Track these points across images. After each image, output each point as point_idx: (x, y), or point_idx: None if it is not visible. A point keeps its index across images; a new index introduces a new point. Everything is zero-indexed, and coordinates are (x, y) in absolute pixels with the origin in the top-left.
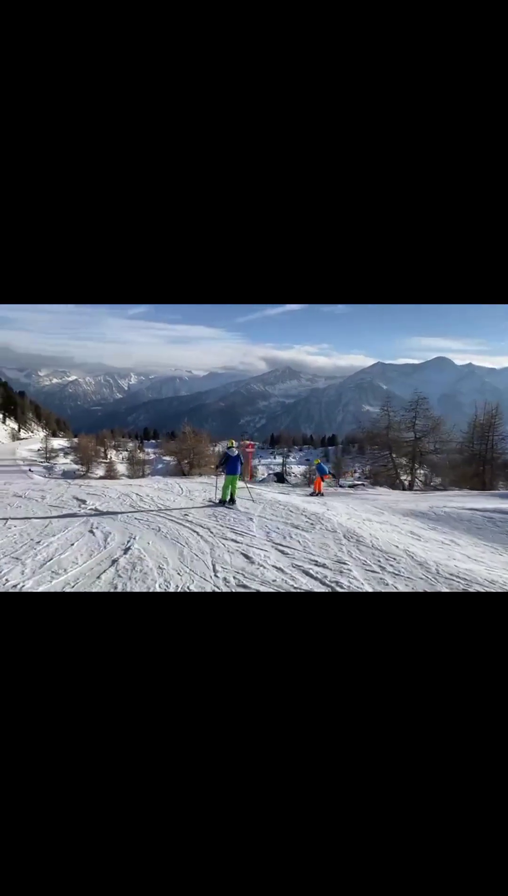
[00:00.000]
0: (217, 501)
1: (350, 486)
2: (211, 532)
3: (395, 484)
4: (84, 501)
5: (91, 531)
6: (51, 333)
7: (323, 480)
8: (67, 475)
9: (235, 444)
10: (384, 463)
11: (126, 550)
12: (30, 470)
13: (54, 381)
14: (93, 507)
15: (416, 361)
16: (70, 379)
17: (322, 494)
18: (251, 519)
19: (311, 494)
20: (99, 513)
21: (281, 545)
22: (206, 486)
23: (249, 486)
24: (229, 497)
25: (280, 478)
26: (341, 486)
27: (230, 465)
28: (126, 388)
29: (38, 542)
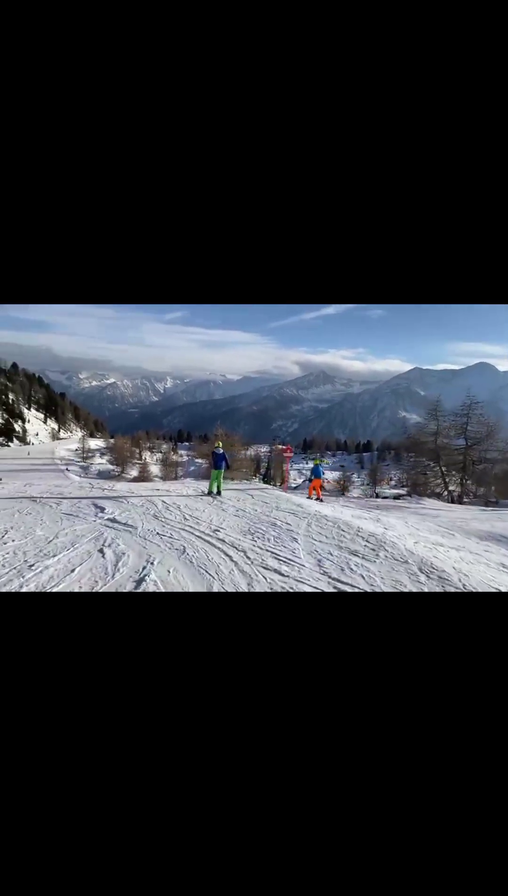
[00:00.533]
0: (205, 493)
1: (395, 497)
2: (247, 557)
3: (442, 495)
4: (103, 509)
5: (101, 550)
6: (91, 337)
7: (311, 485)
8: (103, 475)
9: (220, 444)
10: (424, 471)
11: (139, 582)
12: (67, 469)
13: (94, 383)
14: (111, 516)
15: (456, 367)
16: (109, 381)
17: (322, 500)
18: (296, 539)
19: (309, 498)
20: (116, 525)
21: (339, 581)
22: (239, 495)
23: (285, 494)
24: (214, 490)
25: None
26: (377, 496)
27: (216, 462)
28: (162, 391)
29: (32, 564)
